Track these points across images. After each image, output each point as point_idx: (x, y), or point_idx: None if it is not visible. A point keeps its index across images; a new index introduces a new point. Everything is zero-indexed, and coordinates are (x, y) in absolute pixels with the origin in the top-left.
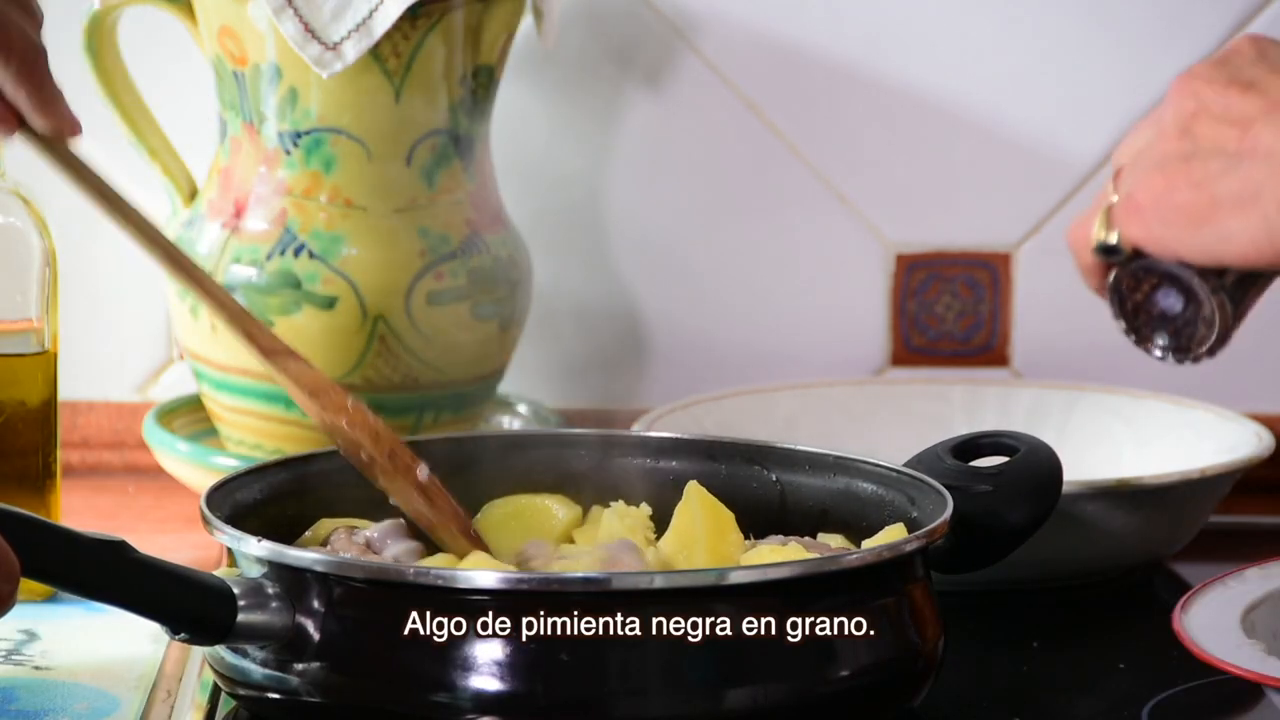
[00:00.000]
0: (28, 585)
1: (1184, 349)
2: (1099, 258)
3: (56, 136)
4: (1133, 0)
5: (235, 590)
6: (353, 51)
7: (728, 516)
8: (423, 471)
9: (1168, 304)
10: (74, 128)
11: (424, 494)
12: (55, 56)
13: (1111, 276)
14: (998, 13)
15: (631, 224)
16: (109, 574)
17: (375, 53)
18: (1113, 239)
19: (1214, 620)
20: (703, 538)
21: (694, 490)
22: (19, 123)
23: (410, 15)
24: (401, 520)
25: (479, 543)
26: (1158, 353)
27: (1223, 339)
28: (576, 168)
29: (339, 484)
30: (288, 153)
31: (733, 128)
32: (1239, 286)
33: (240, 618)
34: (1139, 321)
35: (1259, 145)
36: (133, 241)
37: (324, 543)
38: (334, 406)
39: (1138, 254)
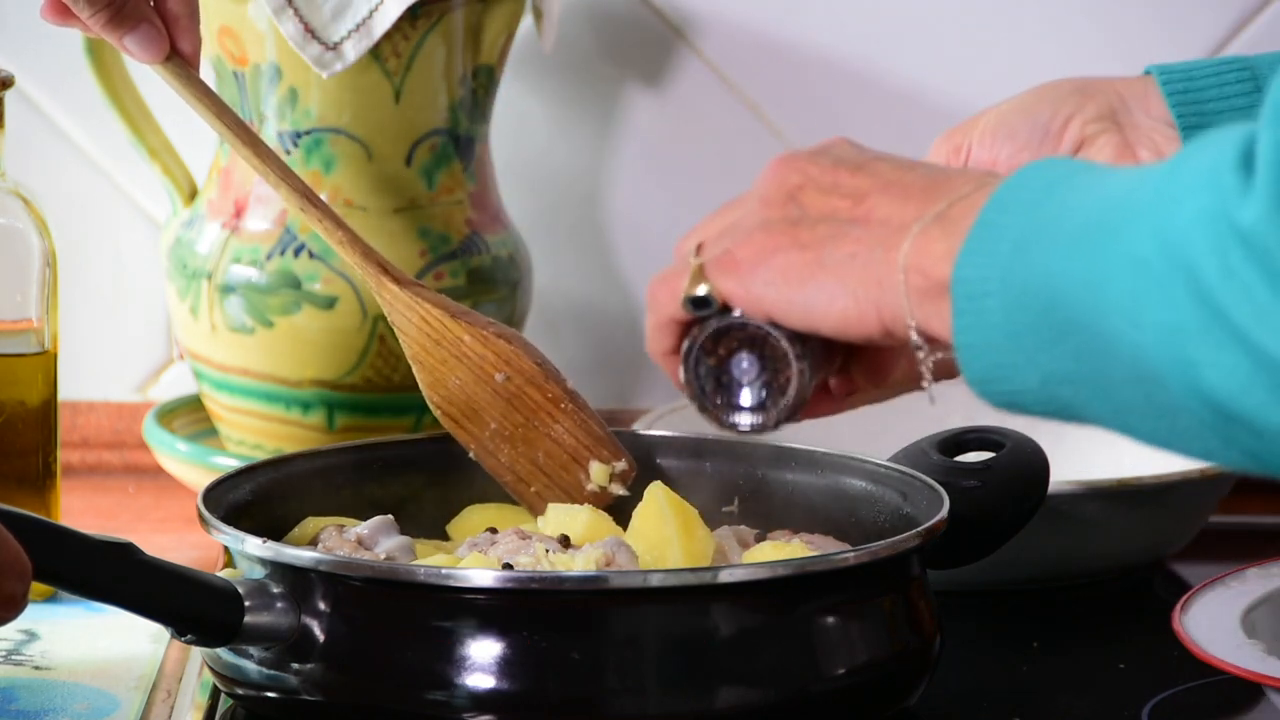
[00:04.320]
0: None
1: (756, 412)
2: (688, 310)
3: (196, 61)
4: (1133, 1)
5: (241, 591)
6: (353, 51)
7: (693, 513)
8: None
9: (740, 371)
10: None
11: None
12: (55, 57)
13: (690, 338)
14: (999, 13)
15: (631, 224)
16: (116, 576)
17: (375, 53)
18: (703, 291)
19: (1214, 620)
20: (675, 536)
21: (658, 490)
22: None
23: (410, 15)
24: (390, 516)
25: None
26: (729, 418)
27: (794, 410)
28: (576, 168)
29: (328, 484)
30: (288, 153)
31: (733, 128)
32: (818, 355)
33: (247, 619)
34: (708, 386)
35: (873, 214)
36: (264, 178)
37: (312, 541)
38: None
39: (725, 310)
